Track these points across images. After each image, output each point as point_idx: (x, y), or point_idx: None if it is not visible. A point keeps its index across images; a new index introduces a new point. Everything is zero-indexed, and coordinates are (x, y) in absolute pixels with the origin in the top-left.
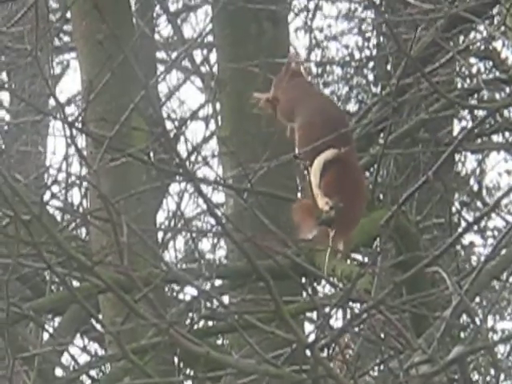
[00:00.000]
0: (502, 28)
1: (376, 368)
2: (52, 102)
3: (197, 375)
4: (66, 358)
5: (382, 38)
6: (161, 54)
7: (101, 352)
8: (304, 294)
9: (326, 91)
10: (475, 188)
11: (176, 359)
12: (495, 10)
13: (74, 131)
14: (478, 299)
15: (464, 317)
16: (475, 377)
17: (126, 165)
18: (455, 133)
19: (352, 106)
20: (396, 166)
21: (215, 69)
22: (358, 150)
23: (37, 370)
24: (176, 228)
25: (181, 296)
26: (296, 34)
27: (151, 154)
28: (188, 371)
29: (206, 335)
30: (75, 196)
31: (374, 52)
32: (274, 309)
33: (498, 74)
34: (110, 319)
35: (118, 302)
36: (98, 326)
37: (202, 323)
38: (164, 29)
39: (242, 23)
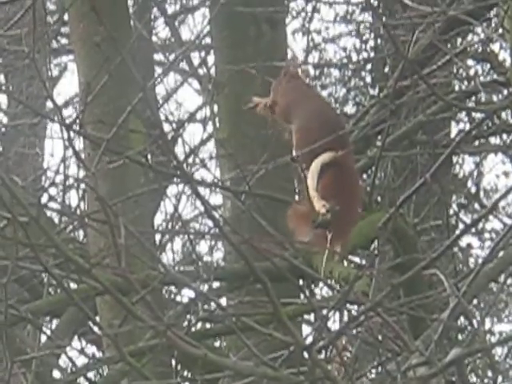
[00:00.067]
0: (500, 30)
1: (374, 370)
2: (49, 104)
3: (194, 377)
4: (63, 361)
5: (379, 41)
6: (158, 56)
7: (98, 354)
8: (302, 296)
9: (324, 93)
10: (473, 190)
11: (174, 361)
12: (493, 13)
13: (72, 133)
14: (475, 301)
15: (462, 319)
16: (473, 379)
17: (124, 167)
18: (453, 135)
19: (350, 108)
20: (394, 168)
21: (213, 71)
22: (355, 152)
23: (34, 373)
24: (173, 230)
25: (178, 298)
26: (294, 36)
27: (149, 157)
28: (186, 373)
29: (203, 337)
30: (73, 198)
31: (372, 54)
32: (272, 311)
33: (495, 76)
34: (108, 321)
35: (116, 304)
36: (96, 329)
37: (199, 325)
38: (161, 31)
39: (240, 25)
